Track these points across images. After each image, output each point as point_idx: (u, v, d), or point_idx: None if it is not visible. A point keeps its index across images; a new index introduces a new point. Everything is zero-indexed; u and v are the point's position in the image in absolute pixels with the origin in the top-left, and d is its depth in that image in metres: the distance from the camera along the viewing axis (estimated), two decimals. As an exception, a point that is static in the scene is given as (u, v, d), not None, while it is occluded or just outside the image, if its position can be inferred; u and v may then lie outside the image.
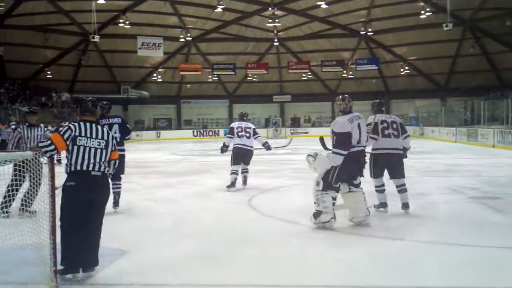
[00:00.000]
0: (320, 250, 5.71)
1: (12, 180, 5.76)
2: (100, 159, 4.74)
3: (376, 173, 7.61)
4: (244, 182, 10.79)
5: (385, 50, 42.23)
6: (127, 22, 34.15)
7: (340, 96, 7.02)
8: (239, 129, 11.04)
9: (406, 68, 42.14)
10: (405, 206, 7.48)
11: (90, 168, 4.66)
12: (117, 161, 5.07)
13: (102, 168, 4.76)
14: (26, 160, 4.63)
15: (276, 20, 35.74)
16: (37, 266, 4.53)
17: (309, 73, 44.18)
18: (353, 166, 6.59)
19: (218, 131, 41.88)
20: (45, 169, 4.52)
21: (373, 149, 7.67)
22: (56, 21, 35.51)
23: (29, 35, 36.10)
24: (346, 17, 37.41)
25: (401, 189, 7.55)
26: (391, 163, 7.59)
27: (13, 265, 4.89)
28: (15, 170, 5.64)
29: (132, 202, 9.18)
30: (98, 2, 30.00)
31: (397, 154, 7.60)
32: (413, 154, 19.72)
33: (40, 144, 4.69)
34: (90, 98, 5.11)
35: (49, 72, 40.63)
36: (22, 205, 6.71)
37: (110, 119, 8.23)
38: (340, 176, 6.46)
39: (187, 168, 15.74)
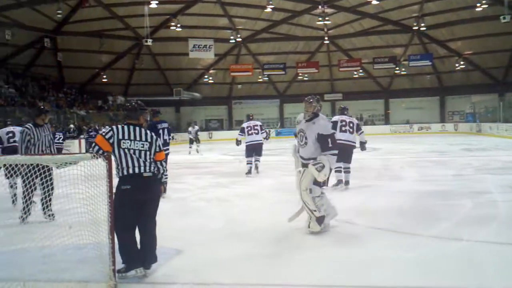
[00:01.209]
0: (378, 251, 5.58)
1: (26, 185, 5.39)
2: (146, 159, 4.85)
3: (340, 158, 8.88)
4: (256, 168, 13.72)
5: (439, 45, 41.06)
6: (178, 25, 34.67)
7: (313, 98, 6.87)
8: (249, 128, 13.55)
9: (461, 63, 40.83)
10: (347, 183, 10.43)
11: (142, 170, 4.78)
12: (164, 162, 5.15)
13: (152, 168, 4.87)
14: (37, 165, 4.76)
15: (326, 18, 35.41)
16: (96, 265, 4.68)
17: (361, 71, 43.56)
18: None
19: (269, 131, 41.90)
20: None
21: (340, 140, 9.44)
22: (110, 27, 36.50)
23: (85, 41, 37.31)
24: (398, 12, 36.63)
25: (347, 171, 10.45)
26: (345, 151, 9.80)
27: (72, 264, 5.04)
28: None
29: (186, 202, 9.33)
30: (150, 6, 30.61)
31: (349, 144, 10.21)
32: (470, 152, 19.27)
33: (90, 149, 4.82)
34: (134, 102, 5.21)
35: (104, 76, 41.85)
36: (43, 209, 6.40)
37: (162, 124, 9.23)
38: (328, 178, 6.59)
39: (239, 168, 15.81)
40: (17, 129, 10.89)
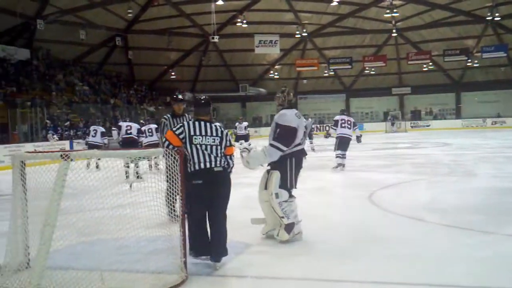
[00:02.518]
0: (449, 249, 5.39)
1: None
2: (217, 154, 4.90)
3: (339, 147, 13.29)
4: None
5: (514, 35, 39.22)
6: (244, 22, 34.97)
7: (281, 90, 6.25)
8: (343, 121, 13.97)
9: (540, 53, 38.81)
10: (342, 166, 13.26)
11: (213, 165, 4.84)
12: (233, 156, 5.18)
13: (223, 163, 4.92)
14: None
15: (394, 10, 34.59)
16: (168, 257, 4.80)
17: (430, 64, 42.25)
18: (299, 169, 6.04)
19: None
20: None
21: (337, 134, 13.44)
22: (178, 24, 37.33)
23: (154, 39, 38.36)
24: (470, 3, 35.20)
25: (343, 156, 13.30)
26: (344, 142, 13.29)
27: (145, 256, 5.19)
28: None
29: (253, 196, 9.37)
30: (217, 3, 31.03)
31: (347, 137, 13.35)
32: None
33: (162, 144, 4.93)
34: (203, 97, 5.24)
35: (172, 73, 42.87)
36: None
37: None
38: (296, 180, 5.93)
39: (306, 163, 15.75)
40: (134, 124, 14.38)
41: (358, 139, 13.86)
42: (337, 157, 13.26)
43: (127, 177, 9.69)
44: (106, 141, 15.90)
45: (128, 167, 10.03)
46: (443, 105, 45.79)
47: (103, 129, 16.05)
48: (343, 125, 13.30)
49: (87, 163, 11.05)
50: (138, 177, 9.95)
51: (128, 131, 13.79)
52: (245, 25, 35.41)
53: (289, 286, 4.43)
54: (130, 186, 8.31)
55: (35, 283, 4.13)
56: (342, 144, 13.19)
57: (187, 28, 38.21)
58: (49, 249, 4.31)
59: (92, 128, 16.27)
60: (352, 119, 13.58)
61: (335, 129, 13.50)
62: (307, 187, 10.52)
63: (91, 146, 15.57)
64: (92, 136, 15.75)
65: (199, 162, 4.82)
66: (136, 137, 13.96)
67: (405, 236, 5.95)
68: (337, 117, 13.63)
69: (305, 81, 46.63)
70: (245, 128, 21.88)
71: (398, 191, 9.66)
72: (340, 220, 7.12)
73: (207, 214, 4.93)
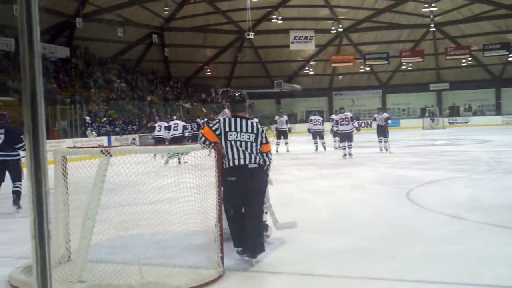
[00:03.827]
0: (490, 248, 5.27)
1: None
2: (252, 151, 4.90)
3: (342, 140, 16.33)
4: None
5: (559, 29, 37.95)
6: (279, 18, 34.87)
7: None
8: (341, 119, 16.63)
9: None
10: (350, 155, 15.90)
11: (247, 162, 4.85)
12: (270, 153, 5.17)
13: (258, 159, 4.92)
14: None
15: (433, 5, 33.93)
16: (205, 252, 4.85)
17: (470, 59, 41.27)
18: None
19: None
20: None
21: (338, 130, 16.78)
22: (214, 21, 37.53)
23: (190, 36, 38.69)
24: (511, -5, 34.25)
25: (350, 146, 15.95)
26: (347, 136, 15.94)
27: (182, 250, 5.25)
28: None
29: (289, 193, 9.39)
30: (252, 0, 31.07)
31: (348, 133, 16.02)
32: None
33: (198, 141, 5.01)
34: (239, 93, 5.25)
35: (208, 70, 43.14)
36: None
37: None
38: None
39: (341, 160, 15.68)
40: (180, 122, 17.57)
41: (357, 129, 17.06)
42: (343, 148, 16.14)
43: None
44: (168, 134, 17.31)
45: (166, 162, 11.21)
46: (483, 101, 44.75)
47: (166, 124, 17.62)
48: (342, 123, 16.23)
49: (166, 160, 11.46)
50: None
51: (175, 128, 16.61)
52: (280, 21, 35.31)
53: (324, 284, 4.42)
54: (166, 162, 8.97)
55: (77, 276, 4.24)
56: (345, 138, 16.05)
57: (222, 25, 38.38)
58: (90, 242, 4.42)
59: (157, 124, 18.29)
60: (349, 115, 16.52)
61: (338, 127, 16.73)
62: (340, 184, 10.52)
63: (157, 140, 17.52)
64: (158, 131, 17.54)
65: (233, 159, 4.84)
66: (181, 134, 16.73)
67: (444, 234, 5.85)
68: (337, 117, 17.01)
69: (340, 77, 46.26)
70: (286, 122, 20.40)
71: (437, 189, 9.50)
72: (376, 217, 7.04)
73: (243, 211, 4.96)
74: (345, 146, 15.97)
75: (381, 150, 17.26)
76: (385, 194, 8.98)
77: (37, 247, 1.58)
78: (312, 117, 20.34)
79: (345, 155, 15.92)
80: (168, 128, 17.13)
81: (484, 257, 4.93)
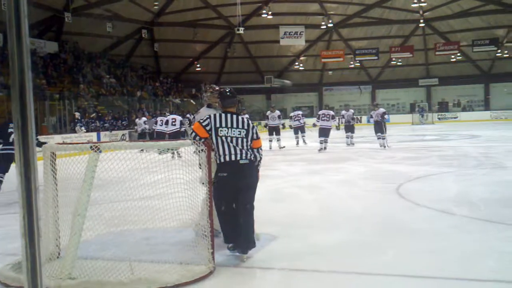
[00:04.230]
0: (479, 242, 5.31)
1: None
2: (243, 147, 4.90)
3: (321, 135, 17.23)
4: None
5: (547, 25, 38.18)
6: (269, 13, 34.79)
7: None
8: (323, 115, 17.76)
9: None
10: (324, 149, 17.16)
11: (238, 158, 4.84)
12: (261, 149, 5.18)
13: (249, 155, 4.91)
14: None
15: (422, 0, 34.01)
16: (196, 248, 4.84)
17: (459, 54, 41.49)
18: None
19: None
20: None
21: (319, 126, 17.52)
22: (204, 16, 37.37)
23: (180, 31, 38.53)
24: (501, -9, 34.43)
25: (325, 142, 17.14)
26: (325, 131, 17.24)
27: (173, 246, 5.23)
28: None
29: (280, 188, 9.41)
30: (242, -6, 31.03)
31: (326, 128, 17.30)
32: None
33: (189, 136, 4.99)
34: (229, 89, 5.24)
35: (198, 65, 43.01)
36: None
37: None
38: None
39: (330, 156, 15.71)
40: (178, 117, 18.13)
41: (336, 127, 20.40)
42: (320, 142, 17.20)
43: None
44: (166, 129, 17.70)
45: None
46: (472, 96, 45.01)
47: (165, 119, 17.92)
48: (323, 118, 17.43)
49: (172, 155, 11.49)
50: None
51: (173, 123, 17.20)
52: (270, 17, 35.23)
53: (315, 279, 4.42)
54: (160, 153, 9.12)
55: (66, 272, 4.21)
56: (323, 132, 17.26)
57: (212, 20, 38.23)
58: (80, 239, 4.39)
59: (159, 118, 18.60)
60: (331, 113, 17.73)
61: (319, 121, 17.61)
62: (331, 179, 10.54)
63: (158, 135, 17.98)
64: (159, 125, 17.78)
65: (225, 155, 4.84)
66: (178, 129, 17.16)
67: (434, 229, 5.89)
68: (319, 112, 18.27)
69: (330, 72, 46.32)
70: (279, 117, 19.65)
71: (426, 184, 9.54)
72: (366, 212, 7.07)
73: (234, 207, 4.95)
74: (322, 140, 17.16)
75: (381, 146, 17.14)
76: (375, 190, 9.00)
77: (27, 244, 1.56)
78: (292, 114, 21.02)
79: (321, 149, 17.04)
80: (166, 123, 17.42)
81: (473, 252, 4.97)
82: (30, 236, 1.56)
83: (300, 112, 21.04)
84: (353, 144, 18.78)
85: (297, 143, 20.21)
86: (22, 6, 1.52)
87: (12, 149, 8.66)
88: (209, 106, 5.85)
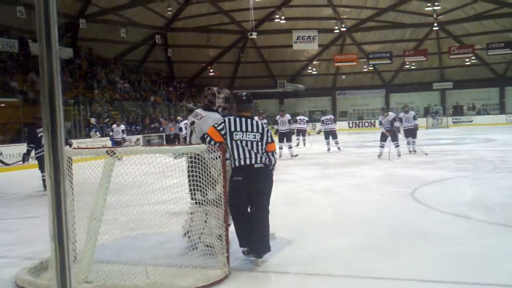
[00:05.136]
0: (495, 247, 5.25)
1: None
2: (258, 151, 4.91)
3: (327, 137, 19.26)
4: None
5: None
6: (282, 18, 34.80)
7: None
8: (327, 119, 19.53)
9: None
10: (329, 149, 19.03)
11: (253, 162, 4.86)
12: (275, 153, 5.19)
13: (264, 159, 4.92)
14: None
15: (436, 3, 33.78)
16: (210, 252, 4.86)
17: (473, 58, 41.16)
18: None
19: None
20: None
21: (324, 129, 19.30)
22: (217, 21, 37.53)
23: (193, 36, 38.72)
24: (515, -6, 34.09)
25: (335, 142, 19.08)
26: (329, 134, 19.11)
27: (188, 250, 5.25)
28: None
29: (293, 193, 9.40)
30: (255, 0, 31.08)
31: (331, 130, 19.08)
32: None
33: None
34: (244, 93, 5.26)
35: (211, 70, 43.17)
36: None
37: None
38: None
39: (344, 160, 15.67)
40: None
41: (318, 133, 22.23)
42: (327, 143, 19.26)
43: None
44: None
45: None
46: (487, 100, 44.60)
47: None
48: (327, 123, 19.22)
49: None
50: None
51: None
52: (283, 21, 35.22)
53: (330, 283, 4.42)
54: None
55: (82, 276, 4.25)
56: (329, 135, 19.20)
57: (225, 25, 38.37)
58: (96, 243, 4.42)
59: (183, 123, 18.20)
60: (332, 117, 19.95)
61: (323, 126, 19.29)
62: (345, 184, 10.50)
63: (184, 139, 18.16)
64: (185, 129, 17.61)
65: (239, 159, 4.85)
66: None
67: (450, 233, 5.84)
68: (322, 118, 19.65)
69: (343, 76, 46.20)
70: (289, 122, 17.72)
71: (441, 188, 9.48)
72: (381, 216, 7.04)
73: (249, 210, 4.96)
74: (328, 141, 19.19)
75: (399, 155, 15.26)
76: (389, 194, 8.96)
77: (56, 247, 1.58)
78: (323, 117, 19.96)
79: (328, 149, 19.07)
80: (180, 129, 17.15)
81: (489, 256, 4.93)
82: (60, 239, 1.57)
83: (305, 118, 23.32)
84: (415, 151, 16.10)
85: (297, 144, 21.65)
86: (52, 11, 1.54)
87: None
88: (206, 108, 5.71)
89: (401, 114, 16.21)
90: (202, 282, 4.27)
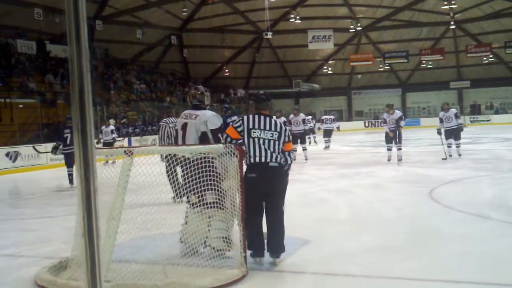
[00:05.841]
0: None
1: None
2: (274, 150, 4.89)
3: (325, 136, 21.58)
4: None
5: None
6: (297, 17, 34.72)
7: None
8: (326, 119, 22.27)
9: None
10: (328, 147, 21.07)
11: (268, 160, 4.84)
12: (291, 152, 5.17)
13: (279, 159, 4.90)
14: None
15: (453, 2, 33.45)
16: (228, 252, 4.87)
17: (491, 56, 40.69)
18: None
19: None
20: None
21: (323, 128, 21.96)
22: (232, 22, 37.58)
23: (208, 37, 38.80)
24: (534, -9, 33.66)
25: (328, 141, 21.43)
26: (328, 133, 21.59)
27: (205, 250, 5.26)
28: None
29: (309, 193, 9.38)
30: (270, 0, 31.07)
31: (329, 129, 21.70)
32: None
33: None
34: (262, 92, 5.27)
35: (226, 71, 43.24)
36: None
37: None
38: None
39: (361, 159, 15.59)
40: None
41: (337, 128, 25.17)
42: (325, 142, 21.29)
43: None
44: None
45: None
46: (505, 98, 44.07)
47: None
48: (326, 122, 21.82)
49: None
50: None
51: None
52: (298, 21, 35.13)
53: (347, 283, 4.40)
54: None
55: (102, 275, 4.27)
56: (327, 133, 21.59)
57: (240, 25, 38.42)
58: (114, 242, 4.45)
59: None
60: (332, 117, 22.49)
61: (323, 125, 21.87)
62: (361, 184, 10.44)
63: None
64: None
65: (255, 156, 4.84)
66: None
67: (469, 233, 5.79)
68: (323, 117, 22.36)
69: (359, 76, 45.98)
70: (304, 121, 16.01)
71: (460, 188, 9.39)
72: (398, 216, 6.99)
73: (263, 210, 4.92)
74: (326, 140, 21.36)
75: (388, 160, 14.11)
76: (407, 193, 8.89)
77: (86, 244, 1.59)
78: (322, 117, 23.70)
79: (326, 147, 20.93)
80: None
81: (509, 257, 4.87)
82: (90, 236, 1.59)
83: (310, 117, 23.64)
84: (459, 155, 14.43)
85: (309, 143, 22.46)
86: (81, 11, 1.55)
87: (71, 148, 10.40)
88: (196, 107, 5.69)
89: (441, 114, 14.46)
90: (220, 282, 4.27)
